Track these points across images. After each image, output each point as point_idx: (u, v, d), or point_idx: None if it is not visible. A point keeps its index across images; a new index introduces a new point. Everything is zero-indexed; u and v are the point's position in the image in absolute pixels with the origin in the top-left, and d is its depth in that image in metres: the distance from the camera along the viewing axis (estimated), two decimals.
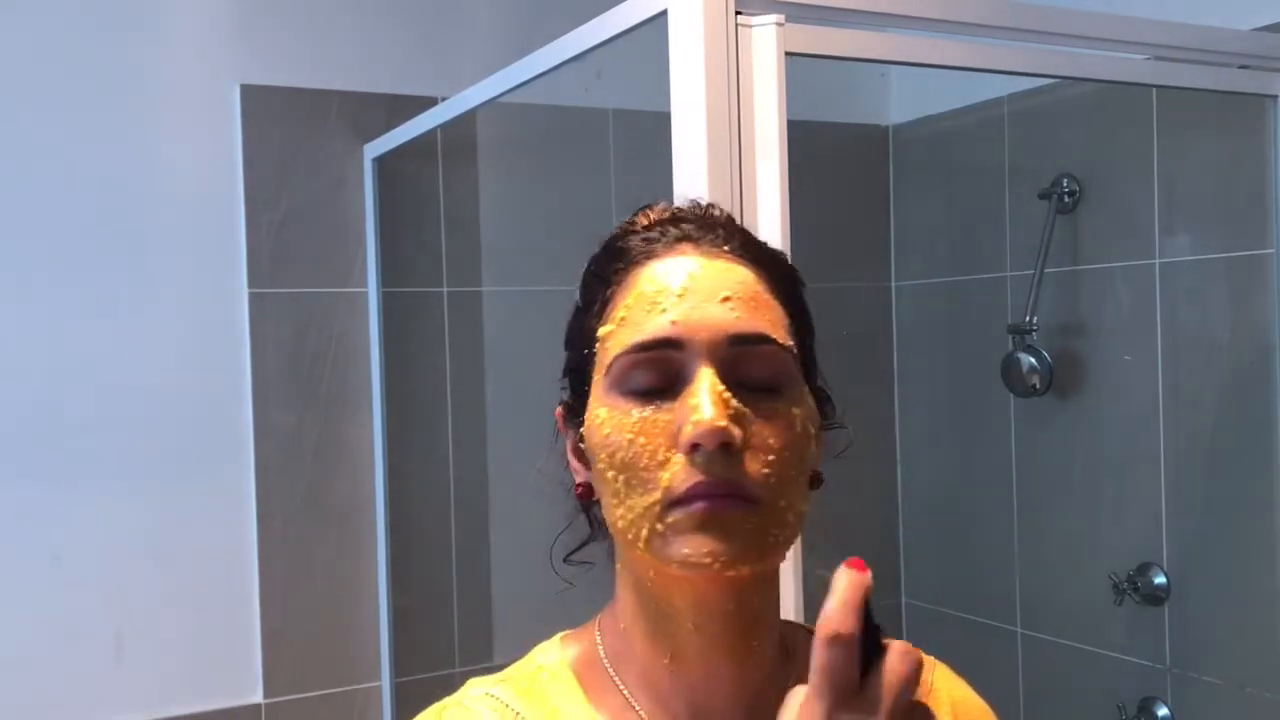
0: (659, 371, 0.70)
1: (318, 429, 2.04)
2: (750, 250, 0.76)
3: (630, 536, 0.70)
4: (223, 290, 1.98)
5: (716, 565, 0.67)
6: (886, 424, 2.56)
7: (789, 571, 1.11)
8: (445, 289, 2.14)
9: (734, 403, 0.68)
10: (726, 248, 0.75)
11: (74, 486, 1.88)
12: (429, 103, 2.05)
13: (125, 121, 1.92)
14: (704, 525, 0.67)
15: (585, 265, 0.79)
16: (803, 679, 0.79)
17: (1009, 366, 2.16)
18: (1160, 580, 2.00)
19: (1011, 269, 2.27)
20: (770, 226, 1.16)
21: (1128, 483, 2.06)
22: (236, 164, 1.99)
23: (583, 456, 0.76)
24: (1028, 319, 2.11)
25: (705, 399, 0.67)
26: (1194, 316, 1.94)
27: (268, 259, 2.00)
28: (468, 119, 1.97)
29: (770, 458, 0.69)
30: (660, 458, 0.68)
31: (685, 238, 0.75)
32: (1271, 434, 1.76)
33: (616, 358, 0.71)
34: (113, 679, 1.90)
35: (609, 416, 0.70)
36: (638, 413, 0.69)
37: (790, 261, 0.79)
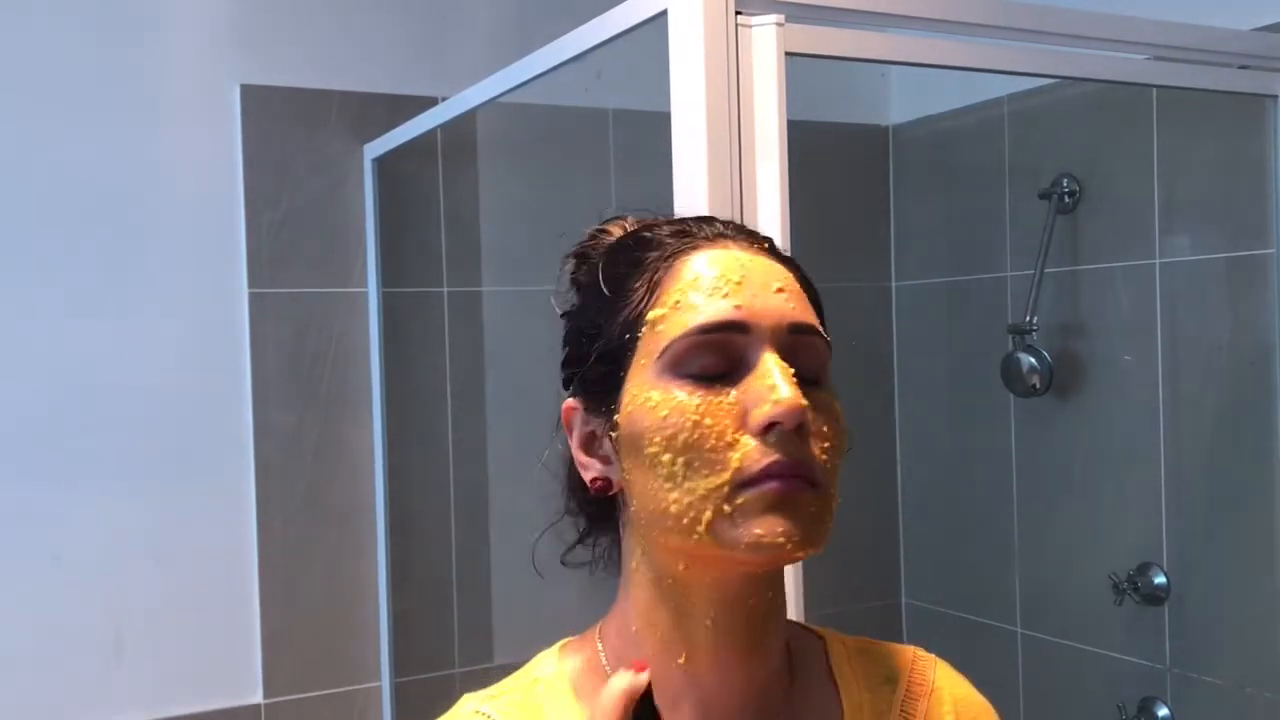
0: (719, 355, 0.70)
1: (318, 429, 2.04)
2: (780, 254, 0.78)
3: (686, 521, 0.69)
4: (223, 290, 1.98)
5: (789, 546, 0.67)
6: (886, 424, 2.56)
7: (792, 570, 1.11)
8: (445, 289, 2.14)
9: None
10: (767, 245, 0.77)
11: (74, 486, 1.88)
12: (429, 103, 2.05)
13: (125, 121, 1.92)
14: (776, 506, 0.67)
15: (579, 251, 0.81)
16: (808, 681, 0.79)
17: (1009, 366, 2.16)
18: (1160, 580, 2.00)
19: (1011, 269, 2.27)
20: (770, 226, 1.16)
21: (1128, 483, 2.06)
22: (236, 164, 1.99)
23: (594, 451, 0.76)
24: (1028, 319, 2.11)
25: (780, 379, 0.68)
26: (1194, 316, 1.94)
27: (268, 259, 2.00)
28: (468, 119, 1.97)
29: (826, 445, 0.70)
30: (729, 439, 0.68)
31: (723, 235, 0.76)
32: (1271, 434, 1.76)
33: (675, 340, 0.70)
34: (113, 679, 1.90)
35: (665, 399, 0.70)
36: (700, 395, 0.69)
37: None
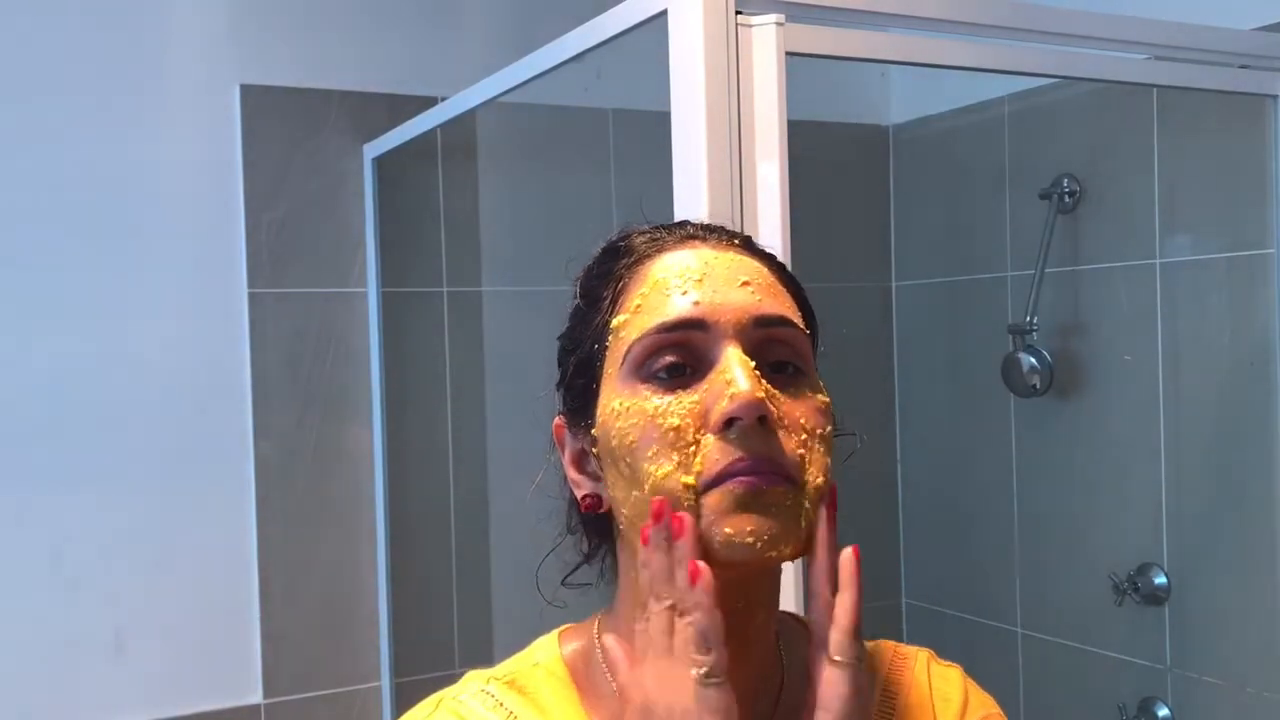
0: (681, 354, 0.69)
1: (318, 429, 2.04)
2: (755, 248, 0.77)
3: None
4: (223, 290, 1.98)
5: (760, 545, 0.65)
6: (886, 424, 2.56)
7: (791, 568, 1.11)
8: (445, 289, 2.14)
9: (763, 381, 0.67)
10: (736, 241, 0.75)
11: (74, 486, 1.88)
12: (429, 103, 2.05)
13: (125, 121, 1.92)
14: (744, 503, 0.65)
15: (579, 274, 0.78)
16: (796, 677, 0.78)
17: (1009, 366, 2.16)
18: (1160, 580, 2.00)
19: (1011, 269, 2.27)
20: (770, 226, 1.16)
21: (1128, 483, 2.06)
22: (236, 164, 1.99)
23: (584, 468, 0.75)
24: (1028, 319, 2.11)
25: (739, 372, 0.66)
26: (1194, 316, 1.94)
27: (268, 259, 2.00)
28: (468, 119, 1.97)
29: (804, 437, 0.68)
30: (690, 439, 0.67)
31: (692, 235, 0.75)
32: (1271, 434, 1.76)
33: (635, 342, 0.69)
34: (113, 679, 1.90)
35: (627, 405, 0.69)
36: (659, 398, 0.68)
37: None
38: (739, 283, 0.70)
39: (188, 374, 1.96)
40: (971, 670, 0.86)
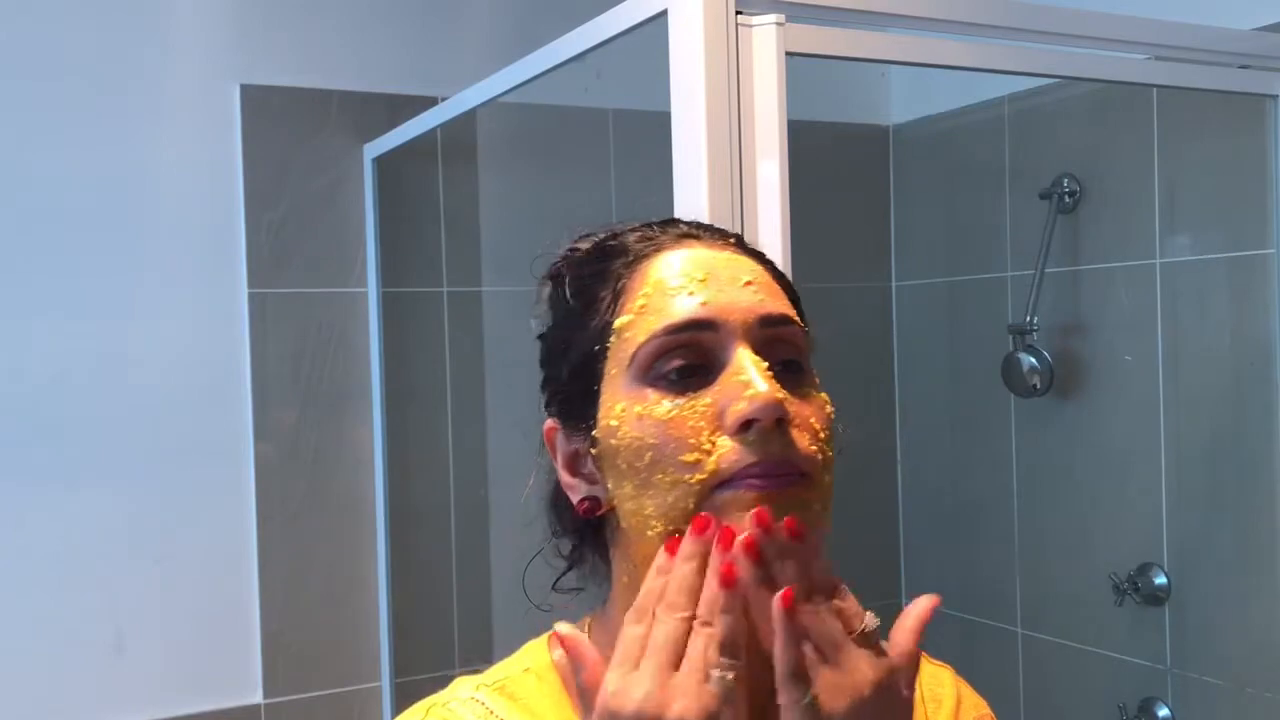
0: (690, 356, 0.68)
1: (318, 429, 2.04)
2: (748, 247, 0.77)
3: (663, 529, 0.67)
4: (223, 290, 1.98)
5: None
6: (886, 424, 2.56)
7: None
8: (445, 289, 2.14)
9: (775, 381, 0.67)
10: (732, 240, 0.76)
11: (74, 486, 1.88)
12: (429, 103, 2.05)
13: (125, 121, 1.91)
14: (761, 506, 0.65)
15: (554, 273, 0.78)
16: None
17: (1009, 366, 2.16)
18: (1160, 580, 2.00)
19: (1011, 269, 2.27)
20: (770, 226, 1.16)
21: (1128, 483, 2.06)
22: (236, 164, 1.99)
23: (579, 471, 0.74)
24: (1028, 319, 2.11)
25: (755, 374, 0.66)
26: (1194, 316, 1.94)
27: (268, 259, 2.00)
28: (468, 119, 1.97)
29: (814, 434, 0.68)
30: (704, 444, 0.66)
31: (688, 235, 0.75)
32: (1271, 434, 1.76)
33: (642, 345, 0.69)
34: (113, 679, 1.90)
35: (636, 408, 0.68)
36: (670, 400, 0.67)
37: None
38: (742, 282, 0.70)
39: (188, 374, 1.96)
40: (971, 670, 0.86)
